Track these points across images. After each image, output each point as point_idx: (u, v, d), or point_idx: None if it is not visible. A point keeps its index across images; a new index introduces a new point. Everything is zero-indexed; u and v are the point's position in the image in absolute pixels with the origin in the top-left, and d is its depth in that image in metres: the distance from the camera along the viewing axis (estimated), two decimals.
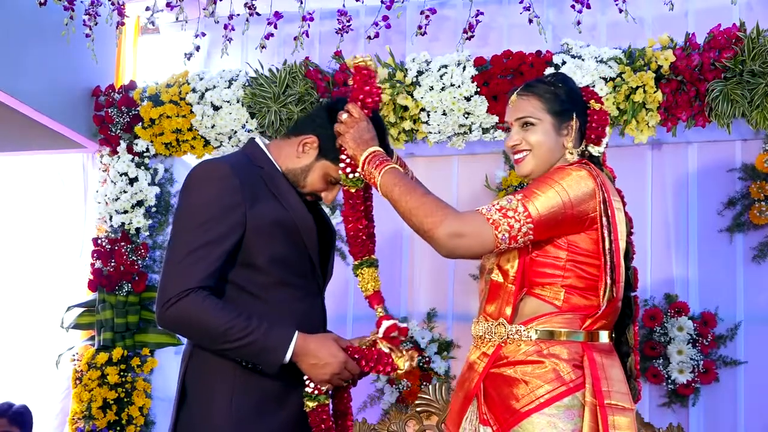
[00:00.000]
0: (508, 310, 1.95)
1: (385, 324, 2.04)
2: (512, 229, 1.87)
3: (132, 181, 4.01)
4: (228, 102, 3.82)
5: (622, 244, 1.99)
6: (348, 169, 2.04)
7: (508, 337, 1.95)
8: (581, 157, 2.06)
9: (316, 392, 1.99)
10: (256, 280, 2.01)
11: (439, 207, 1.91)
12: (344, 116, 2.02)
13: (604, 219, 1.94)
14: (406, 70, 3.61)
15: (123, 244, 3.93)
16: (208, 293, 1.92)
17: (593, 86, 3.35)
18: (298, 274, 2.06)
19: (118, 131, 4.02)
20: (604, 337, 1.97)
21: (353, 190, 2.05)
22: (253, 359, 1.94)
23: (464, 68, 3.53)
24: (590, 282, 1.94)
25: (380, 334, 2.03)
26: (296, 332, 1.94)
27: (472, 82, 3.50)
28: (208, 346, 1.96)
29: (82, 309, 4.04)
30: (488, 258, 2.09)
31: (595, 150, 2.07)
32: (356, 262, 2.10)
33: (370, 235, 2.15)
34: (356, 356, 2.01)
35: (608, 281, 1.92)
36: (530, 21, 3.39)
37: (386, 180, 1.96)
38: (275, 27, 3.60)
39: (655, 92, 3.29)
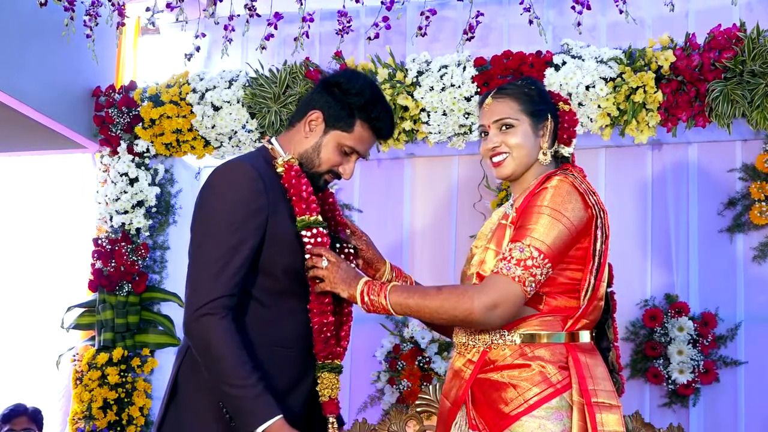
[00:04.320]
0: None
1: None
2: (536, 277, 1.87)
3: (132, 181, 4.01)
4: (228, 102, 3.82)
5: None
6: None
7: (492, 343, 1.95)
8: (554, 158, 2.07)
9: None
10: (265, 286, 1.99)
11: (459, 291, 1.90)
12: (323, 263, 1.98)
13: (598, 220, 1.94)
14: (407, 70, 3.62)
15: (123, 244, 3.93)
16: (232, 320, 1.90)
17: (593, 86, 3.35)
18: (306, 285, 2.02)
19: (119, 131, 4.02)
20: (585, 336, 1.98)
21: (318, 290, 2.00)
22: (230, 411, 1.90)
23: (464, 68, 3.53)
24: (571, 285, 1.95)
25: None
26: (280, 416, 1.88)
27: (473, 82, 3.50)
28: (205, 371, 1.92)
29: (83, 309, 4.04)
30: (468, 266, 2.09)
31: (565, 151, 2.07)
32: (318, 363, 2.04)
33: (339, 338, 2.09)
34: None
35: (592, 281, 1.93)
36: (530, 22, 3.39)
37: (395, 299, 1.94)
38: (275, 28, 3.60)
39: (655, 92, 3.30)
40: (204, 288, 1.89)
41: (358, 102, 2.04)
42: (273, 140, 2.12)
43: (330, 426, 2.04)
